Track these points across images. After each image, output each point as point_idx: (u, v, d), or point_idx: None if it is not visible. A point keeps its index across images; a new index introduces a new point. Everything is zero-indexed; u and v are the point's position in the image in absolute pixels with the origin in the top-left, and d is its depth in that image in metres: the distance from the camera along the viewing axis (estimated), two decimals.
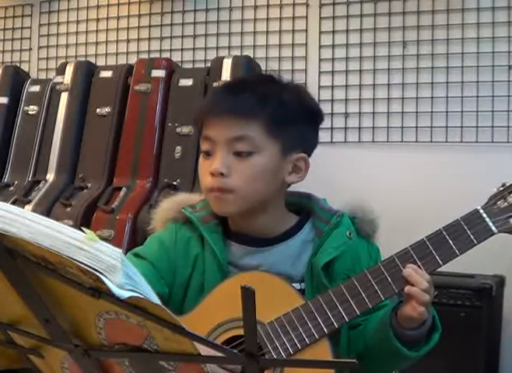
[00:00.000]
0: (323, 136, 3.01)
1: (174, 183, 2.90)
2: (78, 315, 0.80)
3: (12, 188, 3.15)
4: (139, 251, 1.43)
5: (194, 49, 3.34)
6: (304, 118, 1.41)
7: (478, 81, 2.86)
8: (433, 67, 2.94)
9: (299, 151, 1.40)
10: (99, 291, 0.71)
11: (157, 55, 3.37)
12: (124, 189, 2.94)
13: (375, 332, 1.34)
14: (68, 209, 2.93)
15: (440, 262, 1.30)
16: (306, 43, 3.14)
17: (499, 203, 1.32)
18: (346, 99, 3.07)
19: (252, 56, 3.15)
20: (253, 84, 1.45)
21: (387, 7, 3.01)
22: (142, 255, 1.41)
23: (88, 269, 0.69)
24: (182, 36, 3.36)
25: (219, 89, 1.50)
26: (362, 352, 1.36)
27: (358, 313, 1.30)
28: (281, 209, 1.44)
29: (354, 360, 0.75)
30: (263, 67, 3.14)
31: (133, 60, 3.30)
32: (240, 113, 1.35)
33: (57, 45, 3.62)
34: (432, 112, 2.93)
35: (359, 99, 3.05)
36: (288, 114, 1.38)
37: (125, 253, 1.10)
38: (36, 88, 3.30)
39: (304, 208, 1.46)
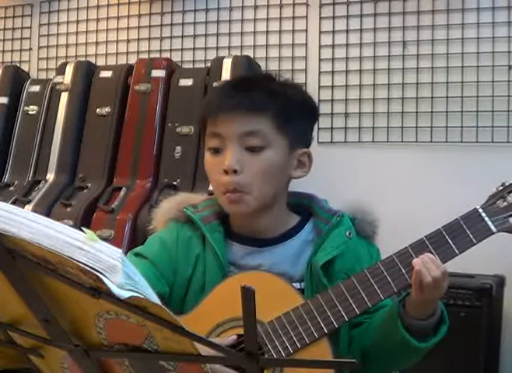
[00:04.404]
0: (323, 136, 3.05)
1: (174, 183, 2.90)
2: (78, 315, 0.80)
3: (12, 188, 3.15)
4: (140, 250, 1.44)
5: (194, 49, 3.33)
6: (306, 114, 1.45)
7: (478, 81, 2.86)
8: (433, 67, 2.93)
9: (303, 147, 1.42)
10: (99, 291, 0.71)
11: (157, 55, 3.37)
12: (124, 189, 2.94)
13: (382, 325, 1.34)
14: (68, 209, 2.93)
15: None
16: (306, 43, 3.14)
17: (498, 202, 1.32)
18: (346, 99, 3.06)
19: (252, 56, 3.15)
20: (258, 81, 1.48)
21: (387, 7, 3.01)
22: (143, 254, 1.42)
23: (88, 269, 0.69)
24: (182, 36, 3.36)
25: (226, 86, 1.51)
26: (368, 348, 1.36)
27: (357, 312, 1.30)
28: (283, 208, 1.44)
29: (354, 360, 0.76)
30: (263, 67, 3.14)
31: (133, 60, 3.30)
32: (252, 108, 1.36)
33: (57, 45, 3.62)
34: (432, 112, 2.92)
35: (359, 99, 3.05)
36: (293, 110, 1.40)
37: (125, 253, 1.10)
38: (36, 88, 3.30)
39: (305, 209, 1.47)
